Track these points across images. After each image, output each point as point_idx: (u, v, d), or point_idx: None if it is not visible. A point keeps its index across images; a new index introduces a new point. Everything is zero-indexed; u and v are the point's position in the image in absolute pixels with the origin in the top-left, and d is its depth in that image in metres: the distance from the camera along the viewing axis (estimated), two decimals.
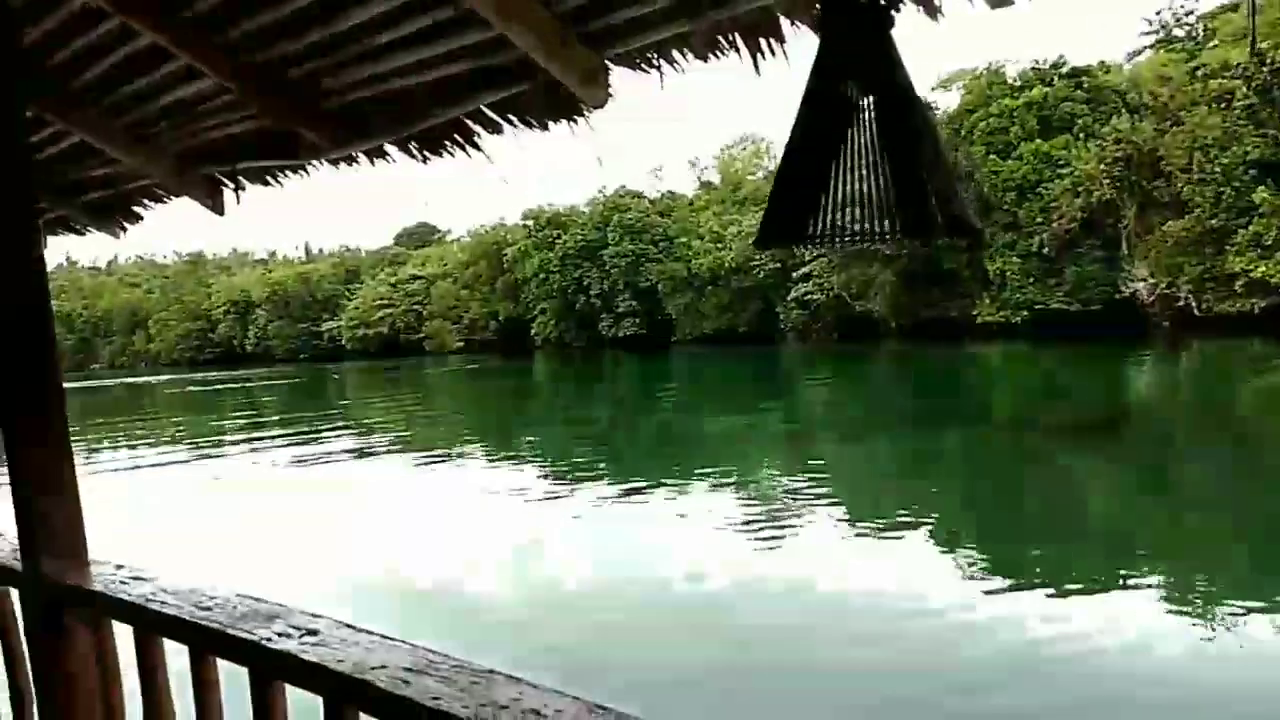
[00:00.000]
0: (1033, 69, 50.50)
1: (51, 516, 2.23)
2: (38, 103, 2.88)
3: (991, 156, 47.90)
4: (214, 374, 71.58)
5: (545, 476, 18.67)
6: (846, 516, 13.54)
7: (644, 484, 16.73)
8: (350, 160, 3.00)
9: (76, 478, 2.29)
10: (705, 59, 2.21)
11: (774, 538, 12.02)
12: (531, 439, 26.14)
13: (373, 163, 3.05)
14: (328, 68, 2.62)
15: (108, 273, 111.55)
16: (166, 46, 2.63)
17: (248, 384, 56.99)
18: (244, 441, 27.74)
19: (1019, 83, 50.29)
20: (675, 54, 2.18)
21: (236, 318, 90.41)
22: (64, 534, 2.24)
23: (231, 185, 3.38)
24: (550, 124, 2.44)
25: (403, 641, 1.61)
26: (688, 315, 64.22)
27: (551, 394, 44.10)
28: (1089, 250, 45.16)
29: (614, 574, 10.96)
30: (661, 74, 2.23)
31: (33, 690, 2.44)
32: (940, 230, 1.47)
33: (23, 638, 2.53)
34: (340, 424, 31.66)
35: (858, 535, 12.16)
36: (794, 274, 57.10)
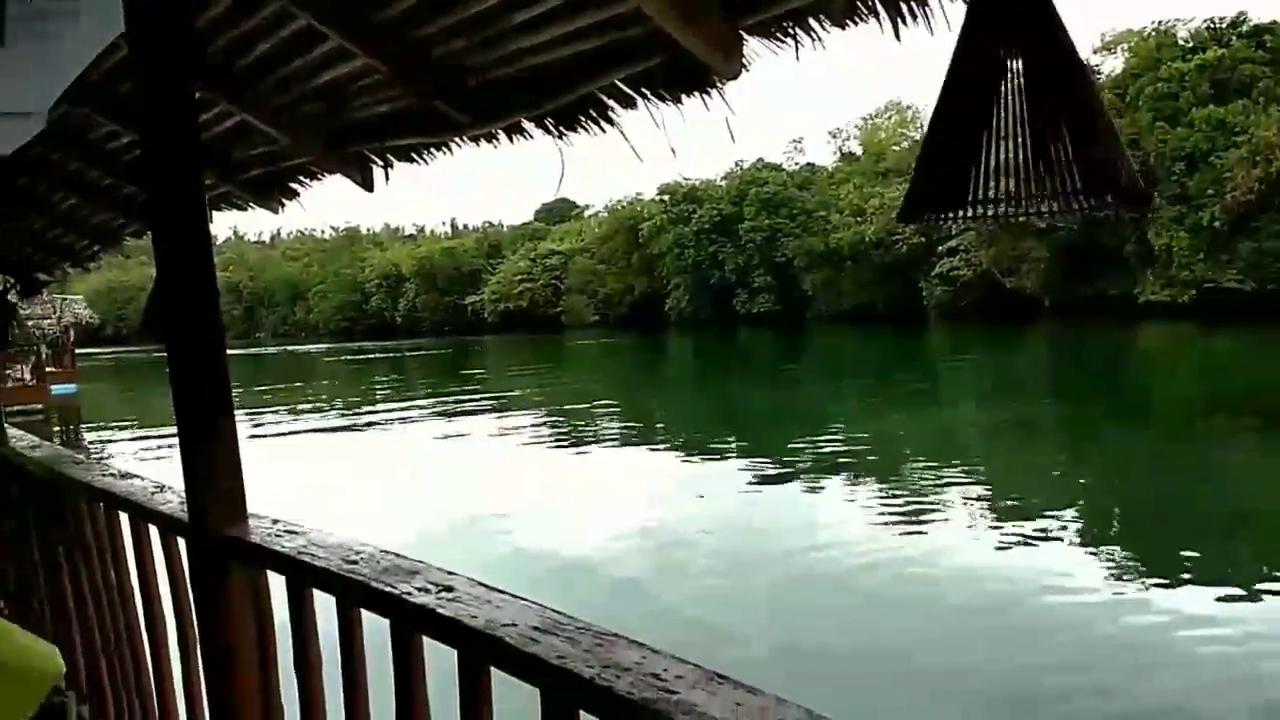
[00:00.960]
0: (1207, 28, 46.61)
1: (215, 473, 2.40)
2: (205, 85, 3.08)
3: (1159, 124, 44.61)
4: (367, 344, 75.35)
5: (699, 452, 18.70)
6: (1000, 509, 12.96)
7: (782, 463, 16.62)
8: (490, 137, 3.08)
9: (238, 438, 2.45)
10: (844, 26, 2.14)
11: (914, 527, 11.72)
12: (678, 411, 26.37)
13: (511, 140, 3.12)
14: (469, 46, 2.70)
15: (271, 246, 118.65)
16: (320, 28, 2.76)
17: (400, 354, 59.69)
18: (403, 409, 29.07)
19: (1191, 44, 46.52)
20: (812, 22, 2.13)
21: (387, 291, 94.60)
22: (226, 490, 2.41)
23: (380, 163, 3.53)
24: (683, 97, 2.42)
25: (532, 602, 1.66)
26: (824, 292, 63.05)
27: (693, 369, 44.16)
28: (1266, 225, 41.52)
29: (766, 552, 10.95)
30: (798, 44, 2.18)
31: (196, 630, 2.66)
32: (1105, 201, 1.37)
33: (188, 582, 2.75)
34: (498, 395, 32.68)
35: (1010, 533, 11.63)
36: (938, 249, 55.03)
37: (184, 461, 2.38)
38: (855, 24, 2.13)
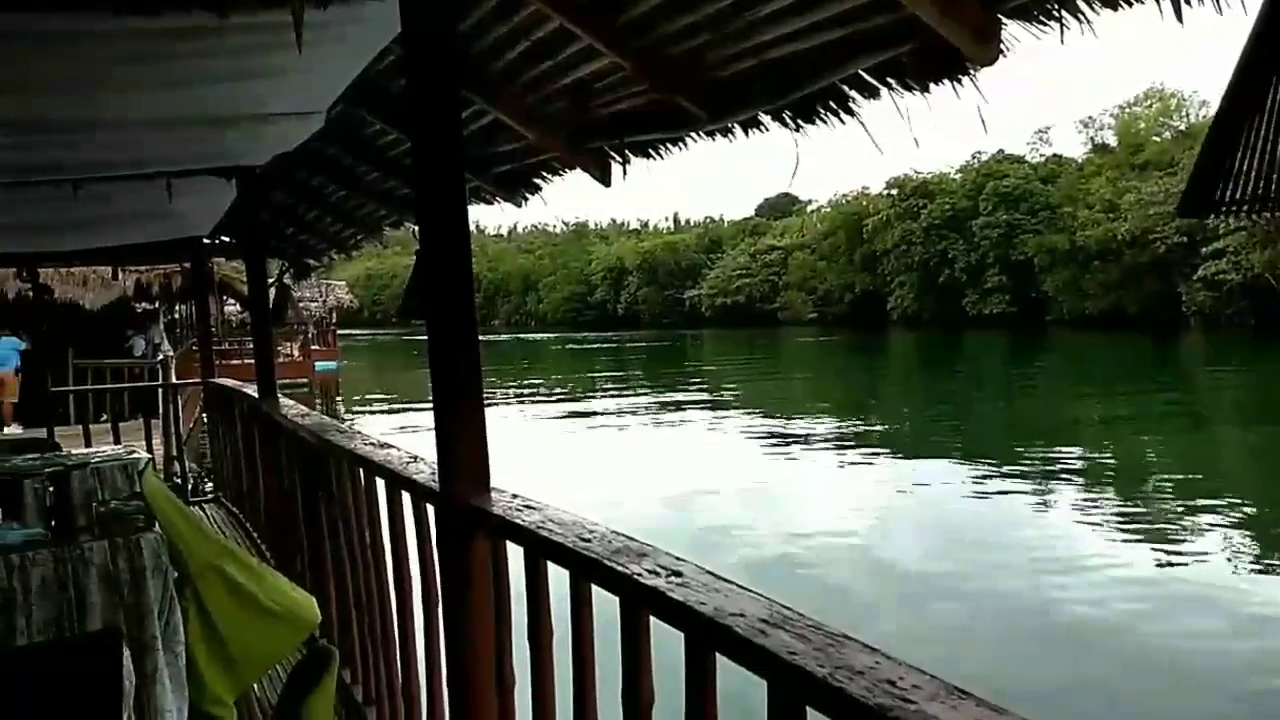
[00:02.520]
0: None
1: (463, 448, 2.57)
2: (467, 86, 3.30)
3: None
4: (590, 334, 78.26)
5: (922, 457, 18.01)
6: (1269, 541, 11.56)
7: (1012, 473, 15.68)
8: (726, 131, 3.11)
9: (485, 416, 2.62)
10: (1116, 7, 1.98)
11: (1173, 553, 10.68)
12: (902, 413, 25.52)
13: (747, 133, 3.13)
14: (709, 42, 2.73)
15: (508, 240, 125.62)
16: (571, 29, 2.89)
17: (619, 345, 61.55)
18: (621, 397, 30.01)
19: None
20: (1080, 3, 1.98)
21: (611, 284, 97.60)
22: (472, 463, 2.58)
23: (617, 158, 3.66)
24: (931, 86, 2.33)
25: (759, 594, 1.66)
26: (1066, 293, 58.53)
27: (919, 370, 42.48)
28: None
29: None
30: (1063, 26, 2.03)
31: (439, 591, 2.86)
32: None
33: (435, 547, 2.97)
34: (716, 387, 32.99)
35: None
36: (1202, 250, 49.63)
37: (437, 434, 2.57)
38: (1130, 4, 1.96)
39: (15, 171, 3.86)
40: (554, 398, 31.10)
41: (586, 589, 2.07)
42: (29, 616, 3.27)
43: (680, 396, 29.35)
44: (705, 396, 29.80)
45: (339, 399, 31.69)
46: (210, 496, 7.96)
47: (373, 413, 27.47)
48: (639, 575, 1.81)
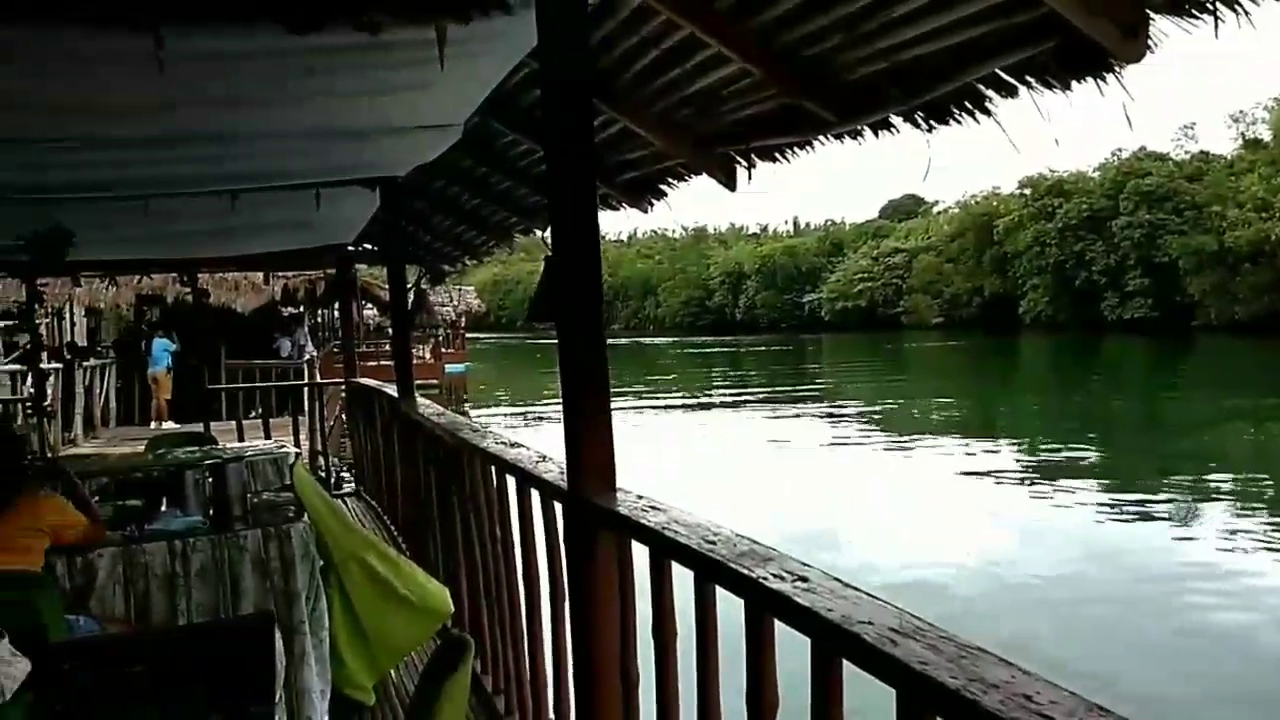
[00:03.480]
0: None
1: (591, 449, 2.64)
2: (598, 96, 3.38)
3: None
4: (708, 339, 78.18)
5: (1059, 471, 17.20)
6: None
7: (1155, 491, 14.84)
8: (855, 134, 3.08)
9: (611, 418, 2.68)
10: None
11: None
12: (1036, 422, 24.50)
13: (877, 135, 3.08)
14: (840, 45, 2.72)
15: (628, 245, 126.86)
16: (701, 37, 2.92)
17: (737, 349, 61.23)
18: (740, 401, 29.89)
19: None
20: None
21: (729, 288, 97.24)
22: (599, 464, 2.64)
23: (743, 163, 3.67)
24: (1073, 84, 2.26)
25: (887, 603, 1.65)
26: (1214, 297, 54.83)
27: (1057, 376, 40.58)
28: None
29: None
30: (1218, 20, 1.94)
31: (566, 585, 2.94)
32: None
33: (562, 543, 3.05)
34: (840, 393, 32.36)
35: None
36: None
37: (566, 435, 2.64)
38: None
39: (190, 183, 4.18)
40: (675, 401, 31.23)
41: (711, 590, 2.09)
42: (189, 598, 3.54)
43: (802, 402, 28.99)
44: (829, 401, 29.29)
45: (466, 399, 32.69)
46: (351, 490, 8.37)
47: (494, 412, 28.24)
48: (764, 579, 1.82)
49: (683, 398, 32.21)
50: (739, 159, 3.65)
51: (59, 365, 10.93)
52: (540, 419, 26.20)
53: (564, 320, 2.62)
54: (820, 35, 2.70)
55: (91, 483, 4.91)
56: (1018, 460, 18.51)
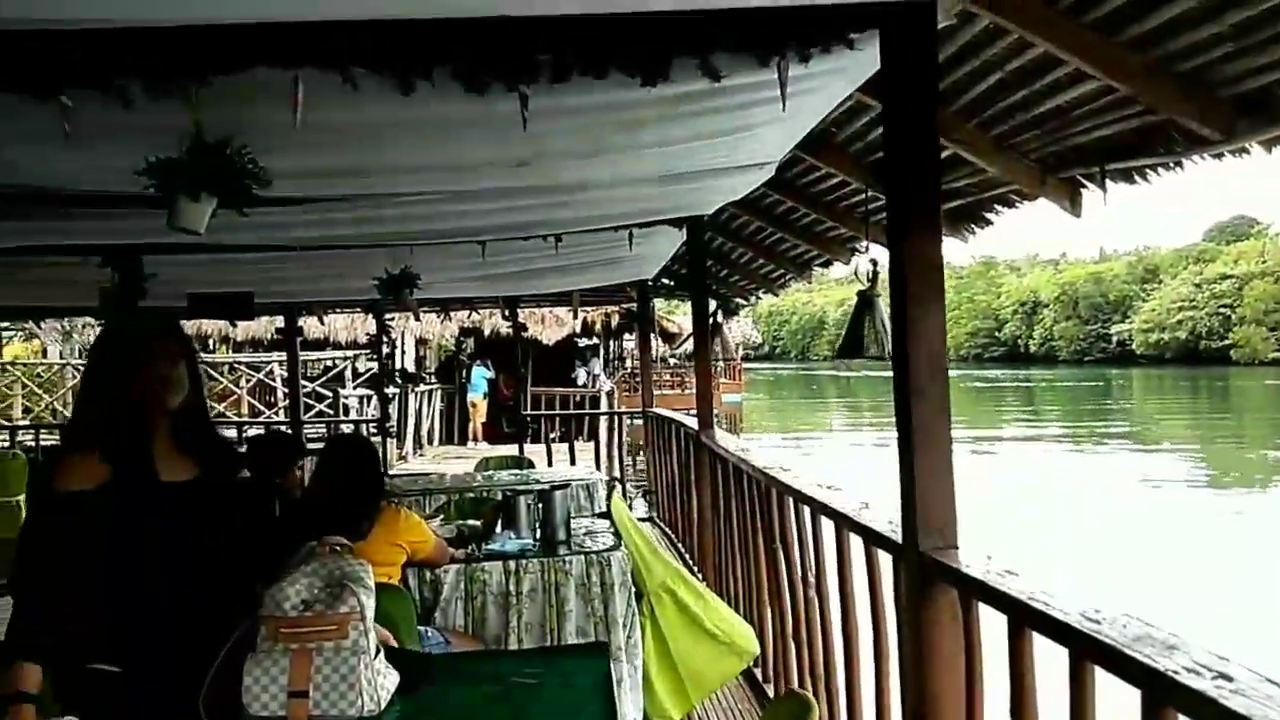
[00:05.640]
0: None
1: (929, 498, 2.47)
2: None
3: None
4: (997, 372, 73.31)
5: None
6: None
7: None
8: (1241, 151, 2.70)
9: (952, 460, 2.49)
10: None
11: None
12: None
13: (1269, 151, 2.70)
14: (1231, 54, 2.39)
15: None
16: (1057, 54, 2.69)
17: (1037, 384, 56.77)
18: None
19: None
20: None
21: (1023, 318, 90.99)
22: (938, 515, 2.46)
23: (1090, 186, 3.34)
24: None
25: None
26: None
27: None
28: None
29: None
30: None
31: (891, 644, 2.78)
32: None
33: (887, 597, 2.89)
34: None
35: None
36: None
37: (901, 479, 2.50)
38: None
39: (523, 229, 4.52)
40: (970, 439, 29.50)
41: (1088, 673, 1.86)
42: (520, 617, 3.75)
43: (1126, 449, 26.17)
44: (1168, 456, 26.04)
45: (741, 429, 32.89)
46: (644, 515, 8.63)
47: (763, 443, 28.19)
48: (1173, 672, 1.58)
49: (998, 432, 30.18)
50: (1086, 182, 3.34)
51: (396, 390, 12.31)
52: (809, 447, 25.78)
53: (901, 354, 2.49)
54: (1207, 44, 2.39)
55: (429, 500, 5.44)
56: None
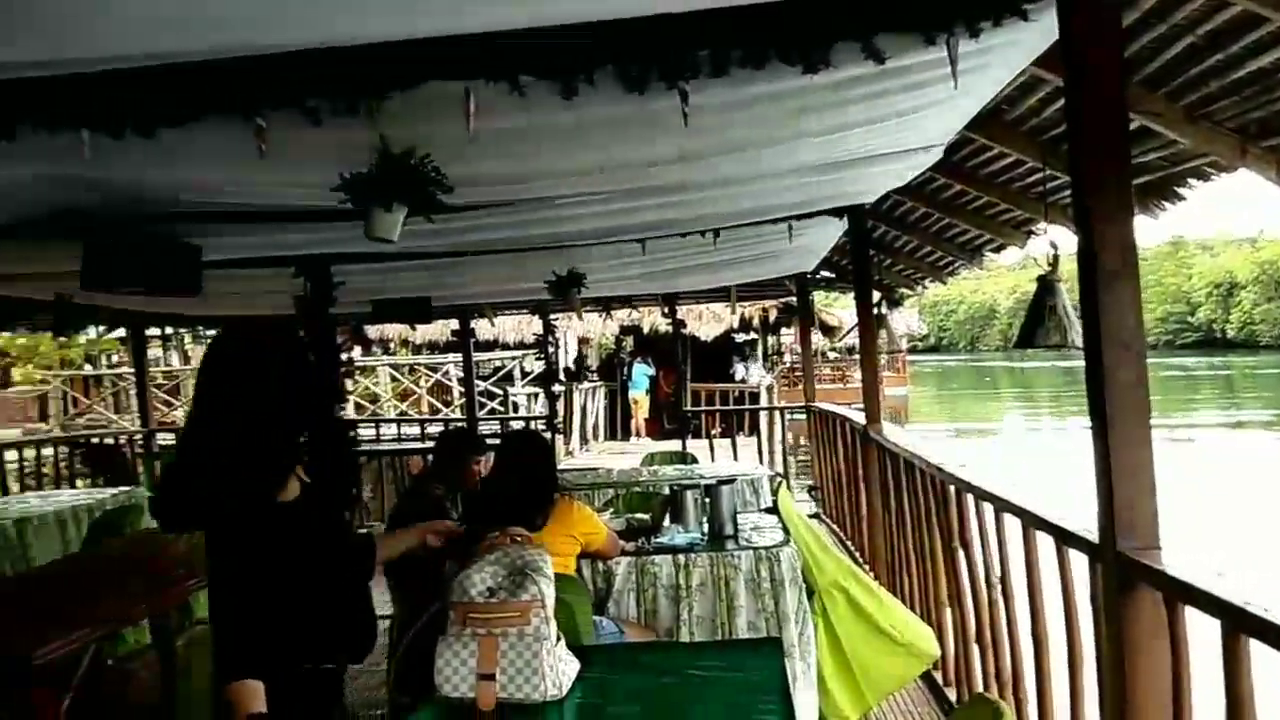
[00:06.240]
0: None
1: (1129, 495, 2.30)
2: None
3: None
4: (1189, 360, 67.73)
5: None
6: None
7: None
8: None
9: (1152, 453, 2.32)
10: None
11: None
12: None
13: None
14: None
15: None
16: (1259, 11, 2.46)
17: (1241, 371, 52.15)
18: None
19: None
20: None
21: (1219, 300, 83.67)
22: (1139, 513, 2.30)
23: None
24: None
25: None
26: None
27: None
28: None
29: None
30: None
31: (1086, 649, 2.62)
32: None
33: (1082, 601, 2.73)
34: None
35: None
36: None
37: (1097, 472, 2.34)
38: None
39: (682, 224, 4.55)
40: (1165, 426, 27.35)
41: None
42: (690, 609, 3.77)
43: None
44: None
45: (906, 423, 31.85)
46: (811, 512, 8.50)
47: (930, 435, 27.16)
48: None
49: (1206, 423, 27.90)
50: None
51: (562, 387, 12.68)
52: (978, 441, 24.65)
53: (1095, 342, 2.33)
54: None
55: (598, 494, 5.57)
56: None
